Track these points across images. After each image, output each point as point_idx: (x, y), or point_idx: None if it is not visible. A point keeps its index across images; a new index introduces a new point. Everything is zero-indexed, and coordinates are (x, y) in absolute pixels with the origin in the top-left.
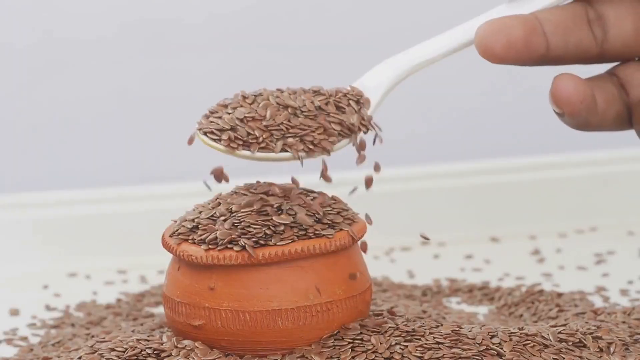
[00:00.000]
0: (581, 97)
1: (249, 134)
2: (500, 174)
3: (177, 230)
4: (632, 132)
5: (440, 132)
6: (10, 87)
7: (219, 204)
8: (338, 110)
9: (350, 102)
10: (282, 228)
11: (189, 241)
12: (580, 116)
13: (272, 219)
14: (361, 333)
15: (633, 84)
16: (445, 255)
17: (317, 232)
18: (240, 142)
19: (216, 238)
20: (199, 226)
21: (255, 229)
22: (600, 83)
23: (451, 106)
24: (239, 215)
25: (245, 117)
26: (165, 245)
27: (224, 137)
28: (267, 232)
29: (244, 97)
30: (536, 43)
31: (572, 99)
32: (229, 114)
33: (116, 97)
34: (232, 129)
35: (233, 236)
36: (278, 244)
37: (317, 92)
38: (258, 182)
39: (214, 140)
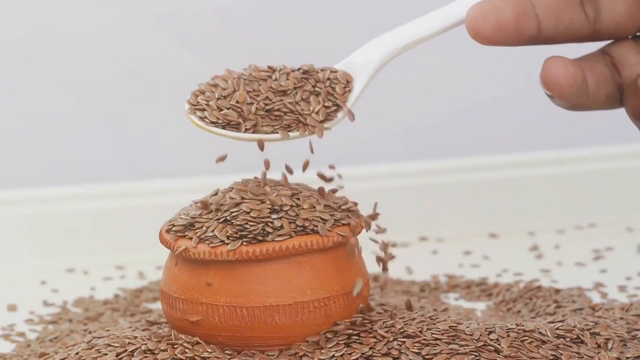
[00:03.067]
0: (571, 80)
1: (240, 116)
2: (499, 170)
3: (174, 226)
4: (630, 128)
5: (439, 128)
6: (4, 81)
7: (217, 199)
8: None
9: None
10: (279, 224)
11: (187, 237)
12: (571, 99)
13: (269, 216)
14: (358, 329)
15: (625, 64)
16: (443, 251)
17: (314, 228)
18: (230, 124)
19: (213, 234)
20: (197, 222)
21: (252, 225)
22: (591, 63)
23: (450, 102)
24: (236, 211)
25: (237, 102)
26: (163, 241)
27: (214, 118)
28: (265, 228)
29: (237, 83)
30: (527, 25)
31: (562, 83)
32: (219, 99)
33: (113, 92)
34: (223, 112)
35: (230, 232)
36: (275, 239)
37: (307, 73)
38: (255, 177)
39: (202, 119)
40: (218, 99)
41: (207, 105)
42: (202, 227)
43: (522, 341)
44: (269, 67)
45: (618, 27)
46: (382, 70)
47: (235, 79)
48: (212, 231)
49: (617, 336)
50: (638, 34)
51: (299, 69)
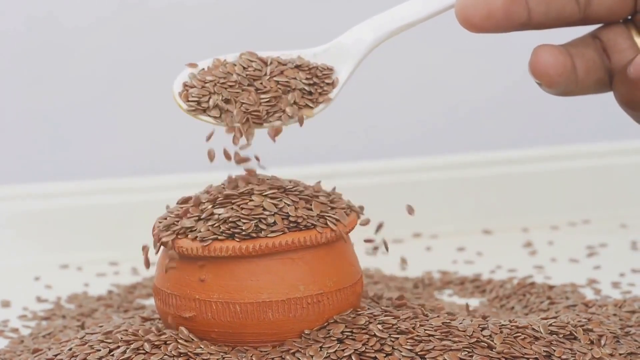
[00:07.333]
0: (560, 69)
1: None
2: (493, 167)
3: (168, 222)
4: (624, 125)
5: (434, 124)
6: None
7: (211, 196)
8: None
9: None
10: (272, 220)
11: (180, 233)
12: (560, 86)
13: (263, 212)
14: (352, 325)
15: (615, 49)
16: (437, 247)
17: (307, 224)
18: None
19: (206, 230)
20: (190, 218)
21: (244, 222)
22: (581, 49)
23: (444, 98)
24: (229, 207)
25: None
26: (156, 237)
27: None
28: (258, 224)
29: (229, 81)
30: (517, 12)
31: (551, 72)
32: (214, 93)
33: (108, 88)
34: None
35: (222, 229)
36: (269, 236)
37: (299, 67)
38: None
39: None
40: (213, 93)
41: (205, 101)
42: (196, 223)
43: (515, 337)
44: (260, 59)
45: (609, 12)
46: (376, 66)
47: (225, 82)
48: (206, 227)
49: (610, 333)
50: (629, 17)
51: (291, 63)
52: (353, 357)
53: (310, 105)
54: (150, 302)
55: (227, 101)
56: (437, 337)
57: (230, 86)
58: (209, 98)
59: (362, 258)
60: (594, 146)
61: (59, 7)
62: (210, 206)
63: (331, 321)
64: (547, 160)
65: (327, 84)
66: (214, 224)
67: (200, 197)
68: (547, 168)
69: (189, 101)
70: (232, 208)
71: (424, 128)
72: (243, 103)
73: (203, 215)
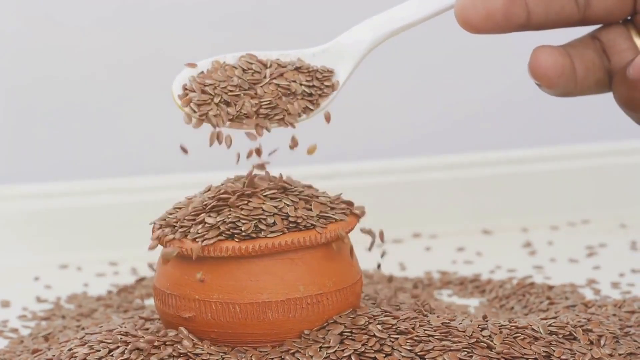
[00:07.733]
0: (559, 70)
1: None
2: (493, 167)
3: (167, 222)
4: (623, 125)
5: (434, 124)
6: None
7: (210, 196)
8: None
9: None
10: (272, 220)
11: (179, 233)
12: (559, 87)
13: (263, 212)
14: (351, 325)
15: (615, 50)
16: (437, 247)
17: (307, 224)
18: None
19: (206, 231)
20: (189, 218)
21: (244, 223)
22: (580, 50)
23: (444, 98)
24: (227, 209)
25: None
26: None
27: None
28: (258, 225)
29: (229, 85)
30: (516, 13)
31: (550, 73)
32: (214, 96)
33: (107, 88)
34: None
35: (222, 229)
36: (268, 236)
37: (299, 70)
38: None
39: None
40: (210, 99)
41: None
42: (195, 223)
43: (514, 338)
44: (260, 62)
45: (608, 13)
46: (377, 65)
47: (224, 88)
48: (205, 228)
49: (610, 333)
50: (629, 18)
51: (291, 65)
52: (353, 358)
53: (311, 107)
54: (150, 302)
55: (227, 104)
56: (436, 337)
57: (231, 90)
58: (209, 104)
59: (362, 258)
60: (594, 146)
61: (59, 8)
62: (204, 213)
63: (331, 321)
64: (547, 160)
65: (327, 86)
66: (211, 226)
67: (193, 203)
68: (547, 168)
69: (189, 105)
70: (229, 210)
71: (424, 128)
72: (243, 106)
73: (197, 220)
